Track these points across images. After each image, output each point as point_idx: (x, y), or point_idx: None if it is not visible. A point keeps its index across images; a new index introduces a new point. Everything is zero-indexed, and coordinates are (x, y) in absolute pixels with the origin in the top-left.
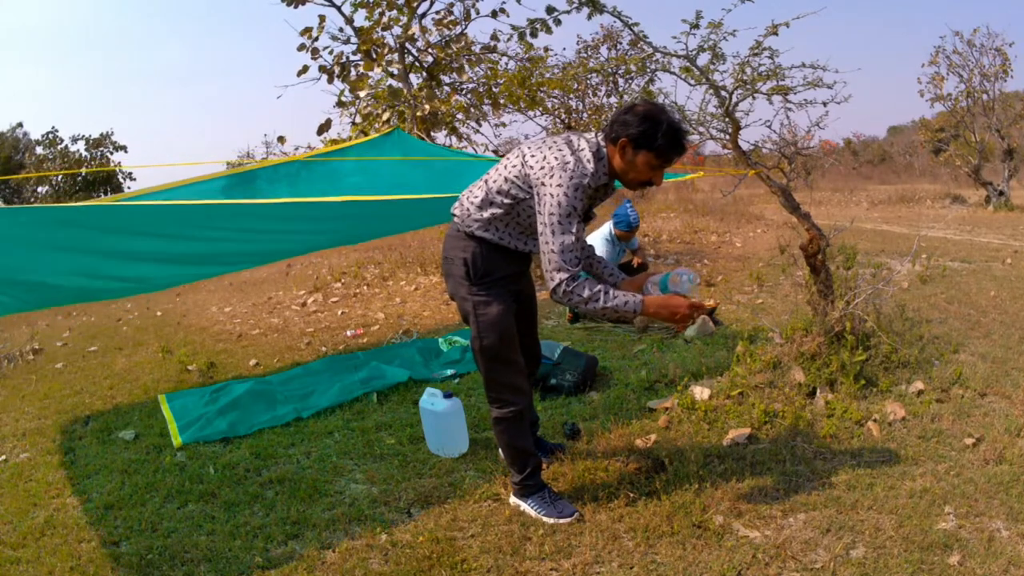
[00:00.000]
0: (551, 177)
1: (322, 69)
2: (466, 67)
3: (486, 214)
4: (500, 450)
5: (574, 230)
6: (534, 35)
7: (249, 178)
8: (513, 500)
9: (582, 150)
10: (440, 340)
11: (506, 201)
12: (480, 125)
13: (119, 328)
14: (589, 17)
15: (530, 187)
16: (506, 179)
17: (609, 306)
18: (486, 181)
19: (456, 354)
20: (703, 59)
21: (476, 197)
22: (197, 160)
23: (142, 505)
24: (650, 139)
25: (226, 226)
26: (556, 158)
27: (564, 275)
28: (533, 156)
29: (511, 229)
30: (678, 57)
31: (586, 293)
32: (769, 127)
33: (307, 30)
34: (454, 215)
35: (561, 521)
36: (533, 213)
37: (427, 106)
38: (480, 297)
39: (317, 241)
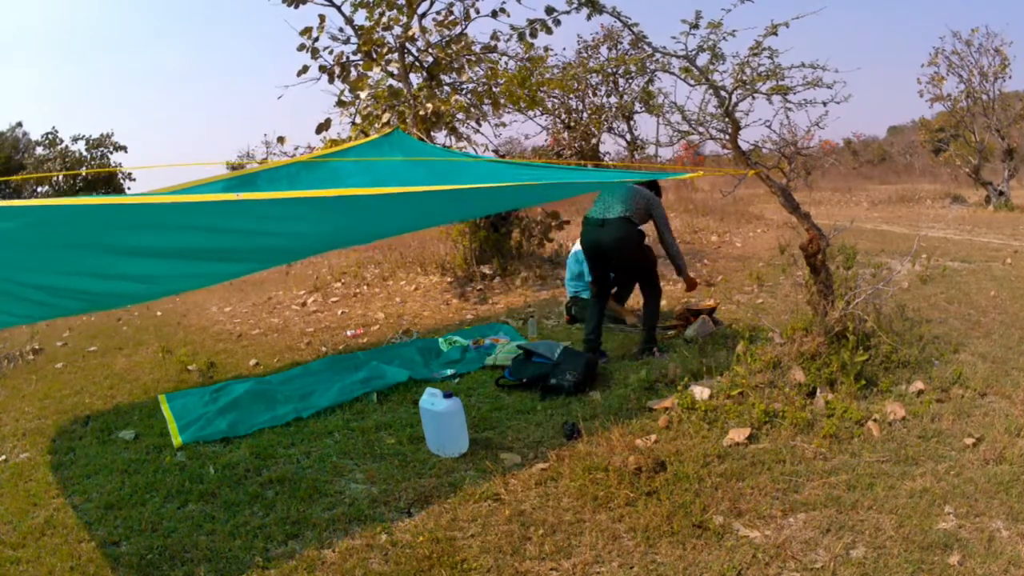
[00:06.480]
0: (659, 206)
1: (322, 69)
2: (466, 67)
3: (638, 221)
4: (639, 319)
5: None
6: (533, 36)
7: (249, 180)
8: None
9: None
10: (440, 340)
11: (642, 218)
12: (480, 125)
13: (119, 328)
14: (588, 18)
15: (647, 212)
16: (642, 210)
17: (681, 256)
18: (635, 208)
19: (456, 354)
20: (703, 59)
21: (635, 216)
22: (197, 160)
23: (142, 505)
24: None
25: (230, 223)
26: (652, 198)
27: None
28: (645, 198)
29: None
30: (678, 57)
31: (679, 250)
32: (769, 127)
33: (307, 30)
34: (632, 220)
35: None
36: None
37: (429, 105)
38: (648, 247)
39: (320, 240)
